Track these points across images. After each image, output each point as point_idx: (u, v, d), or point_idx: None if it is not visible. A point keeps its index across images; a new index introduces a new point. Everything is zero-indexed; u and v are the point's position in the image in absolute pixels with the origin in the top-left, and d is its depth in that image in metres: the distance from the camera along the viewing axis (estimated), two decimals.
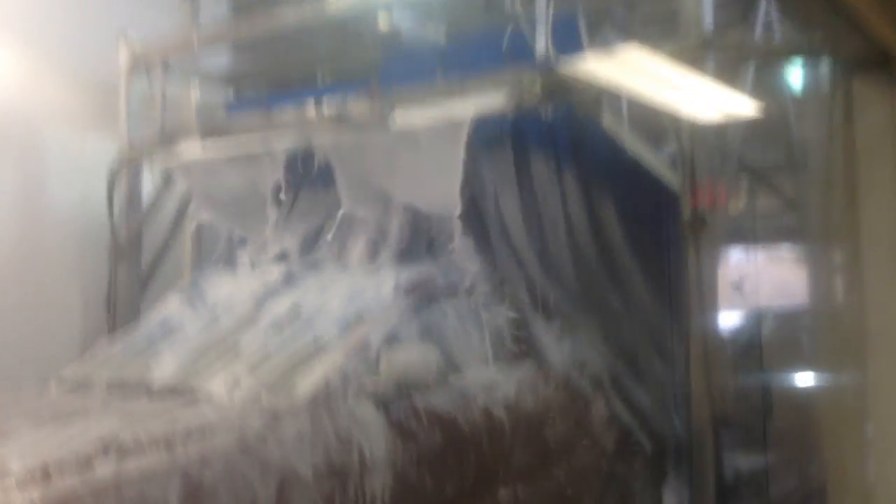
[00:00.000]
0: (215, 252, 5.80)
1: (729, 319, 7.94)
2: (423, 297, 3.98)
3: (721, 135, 4.64)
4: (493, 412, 3.82)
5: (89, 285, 6.04)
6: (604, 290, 4.67)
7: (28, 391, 3.84)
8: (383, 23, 4.90)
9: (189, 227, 6.65)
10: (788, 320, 7.84)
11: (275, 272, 4.57)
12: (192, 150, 5.55)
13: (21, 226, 5.83)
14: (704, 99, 4.00)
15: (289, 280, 4.41)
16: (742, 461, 5.14)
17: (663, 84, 3.75)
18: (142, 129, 5.97)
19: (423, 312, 3.90)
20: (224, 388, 3.39)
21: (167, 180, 5.93)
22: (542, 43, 4.09)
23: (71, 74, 6.02)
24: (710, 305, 4.42)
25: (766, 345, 7.24)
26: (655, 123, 4.25)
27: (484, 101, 4.33)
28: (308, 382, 3.33)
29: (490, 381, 3.96)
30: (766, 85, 5.00)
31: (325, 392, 3.28)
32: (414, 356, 3.50)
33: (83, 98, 6.12)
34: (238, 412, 3.12)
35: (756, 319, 8.10)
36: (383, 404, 3.38)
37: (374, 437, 3.24)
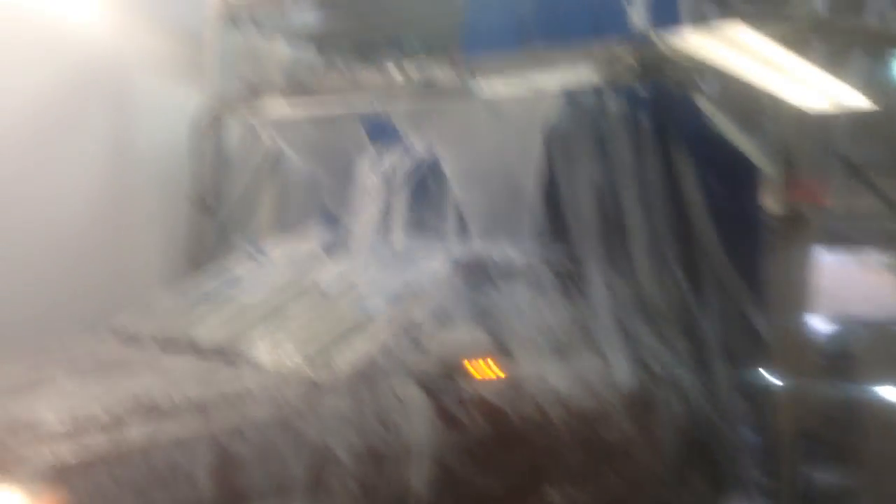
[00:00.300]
0: (293, 212, 5.80)
1: (818, 325, 7.56)
2: (479, 276, 3.77)
3: (824, 126, 4.33)
4: (547, 406, 3.61)
5: (169, 234, 6.14)
6: (680, 280, 4.42)
7: (76, 338, 3.76)
8: None
9: (270, 185, 6.72)
10: (884, 331, 7.39)
11: (331, 237, 4.44)
12: (276, 106, 5.54)
13: (109, 170, 5.96)
14: (809, 86, 3.72)
15: (344, 247, 4.26)
16: (825, 477, 4.85)
17: (766, 66, 3.50)
18: (229, 82, 6.00)
19: (479, 292, 3.70)
20: (267, 354, 3.26)
21: (251, 135, 5.94)
22: (638, 13, 3.86)
23: (161, 24, 6.08)
24: (798, 308, 4.14)
25: (857, 355, 6.85)
26: (754, 108, 3.98)
27: (571, 73, 4.13)
28: (350, 356, 3.17)
29: (545, 373, 3.73)
30: (876, 77, 4.65)
31: (368, 368, 3.11)
32: (464, 338, 3.32)
33: (172, 48, 6.17)
34: (277, 382, 2.96)
35: (848, 327, 7.67)
36: (428, 387, 3.19)
37: (416, 420, 3.07)
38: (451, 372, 3.23)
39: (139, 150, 6.12)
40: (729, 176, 4.44)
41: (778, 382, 4.10)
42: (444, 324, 3.43)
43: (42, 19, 5.49)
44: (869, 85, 4.04)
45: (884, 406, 5.86)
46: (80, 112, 5.81)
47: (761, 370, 4.51)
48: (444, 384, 3.23)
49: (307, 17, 6.48)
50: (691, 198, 4.48)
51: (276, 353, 3.25)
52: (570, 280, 4.23)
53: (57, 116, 5.62)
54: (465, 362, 3.26)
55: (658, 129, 4.51)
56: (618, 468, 3.95)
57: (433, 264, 3.72)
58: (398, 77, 4.77)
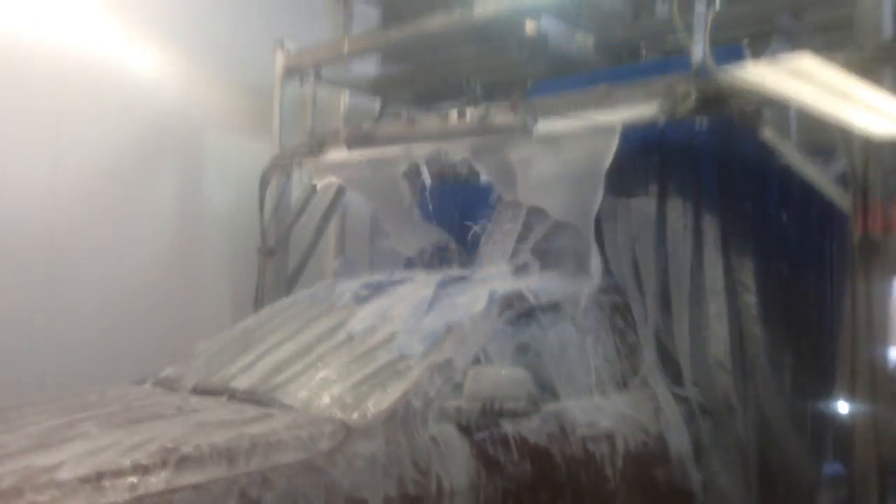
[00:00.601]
0: (354, 257, 5.90)
1: None
2: (520, 313, 3.68)
3: None
4: (595, 446, 3.47)
5: (239, 285, 6.28)
6: (748, 315, 4.31)
7: (119, 389, 3.74)
8: (530, 28, 4.79)
9: (334, 230, 6.84)
10: None
11: (371, 279, 4.39)
12: (339, 156, 5.65)
13: (180, 224, 6.16)
14: (880, 113, 3.65)
15: (380, 287, 4.19)
16: None
17: (835, 95, 3.45)
18: (293, 135, 6.16)
19: (520, 330, 3.61)
20: (300, 399, 3.21)
21: (316, 185, 6.07)
22: (699, 49, 3.85)
23: (229, 80, 6.31)
24: (879, 337, 4.03)
25: None
26: (824, 138, 3.92)
27: (633, 110, 4.13)
28: (386, 400, 3.07)
29: (593, 411, 3.60)
30: None
31: (404, 412, 3.00)
32: (504, 378, 3.16)
33: (239, 103, 6.39)
34: (308, 428, 2.85)
35: None
36: (467, 430, 3.08)
37: (455, 465, 2.94)
38: (490, 410, 3.09)
39: (209, 203, 6.32)
40: (797, 208, 4.36)
41: (860, 415, 3.98)
42: (483, 362, 3.35)
43: (119, 76, 5.75)
44: None
45: None
46: (153, 166, 6.04)
47: (843, 403, 4.39)
48: (482, 424, 3.12)
49: (369, 68, 6.64)
50: (757, 231, 4.42)
51: (308, 395, 3.22)
52: (619, 314, 4.15)
53: (130, 170, 5.86)
54: (505, 400, 3.13)
55: (722, 161, 4.48)
56: None
57: (475, 302, 3.64)
58: (458, 121, 4.82)
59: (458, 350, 3.33)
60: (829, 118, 3.68)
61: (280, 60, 6.20)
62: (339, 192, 6.13)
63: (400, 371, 3.26)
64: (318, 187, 5.95)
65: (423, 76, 6.27)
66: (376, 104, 6.83)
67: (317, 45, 6.07)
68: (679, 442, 3.87)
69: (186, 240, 6.14)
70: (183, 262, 6.10)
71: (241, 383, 3.54)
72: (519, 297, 3.76)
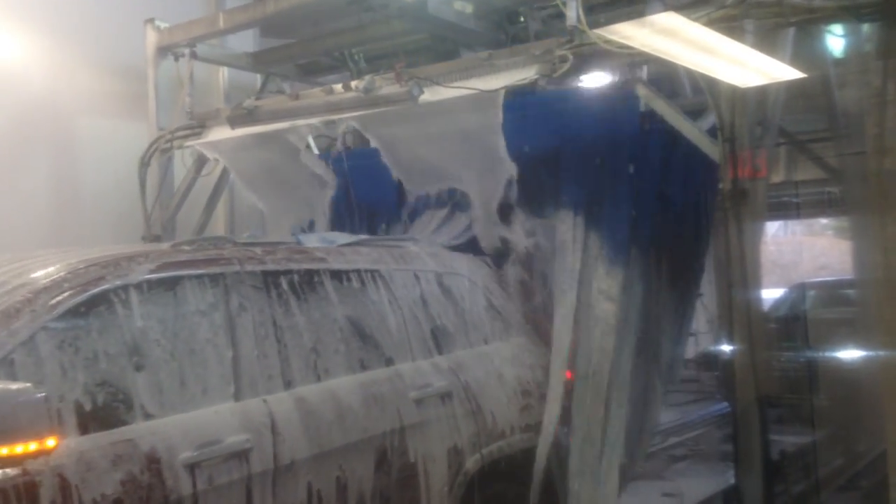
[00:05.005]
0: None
1: (773, 294, 7.79)
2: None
3: (761, 103, 4.49)
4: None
5: None
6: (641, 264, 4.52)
7: None
8: None
9: (222, 211, 6.70)
10: (833, 294, 7.66)
11: None
12: (221, 135, 5.52)
13: (56, 215, 5.89)
14: (744, 66, 3.85)
15: None
16: (788, 439, 5.03)
17: (701, 51, 3.62)
18: (172, 116, 5.97)
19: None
20: None
21: (199, 164, 5.92)
22: (572, 11, 3.96)
23: (99, 61, 6.04)
24: (752, 279, 4.30)
25: (810, 320, 7.09)
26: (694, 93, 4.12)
27: (513, 74, 4.22)
28: None
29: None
30: (806, 50, 4.83)
31: None
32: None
33: (112, 85, 6.13)
34: None
35: (799, 294, 7.93)
36: None
37: None
38: None
39: (87, 191, 6.06)
40: (677, 160, 4.57)
41: (739, 352, 4.25)
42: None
43: None
44: (801, 59, 4.20)
45: (836, 366, 6.09)
46: (23, 156, 5.74)
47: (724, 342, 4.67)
48: None
49: (246, 43, 6.49)
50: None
51: None
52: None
53: (0, 158, 5.55)
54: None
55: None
56: None
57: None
58: (343, 94, 4.79)
59: None
60: (697, 74, 3.86)
61: (151, 38, 5.97)
62: (225, 171, 5.99)
63: None
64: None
65: (304, 49, 6.18)
66: (257, 80, 6.70)
67: (190, 22, 5.88)
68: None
69: (65, 231, 5.88)
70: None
71: None
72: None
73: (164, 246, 3.08)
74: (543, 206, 4.25)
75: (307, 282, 3.33)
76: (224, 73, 6.65)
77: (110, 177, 6.09)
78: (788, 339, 6.57)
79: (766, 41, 3.90)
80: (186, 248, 3.15)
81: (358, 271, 3.56)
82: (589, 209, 4.05)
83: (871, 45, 3.84)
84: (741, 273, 4.25)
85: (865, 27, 3.98)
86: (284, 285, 3.23)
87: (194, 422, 2.76)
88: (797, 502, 4.83)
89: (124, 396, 2.64)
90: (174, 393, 2.75)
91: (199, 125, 5.75)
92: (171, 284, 2.89)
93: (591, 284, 3.98)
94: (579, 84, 4.48)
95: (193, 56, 5.92)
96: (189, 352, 2.84)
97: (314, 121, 4.94)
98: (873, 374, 4.05)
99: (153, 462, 2.60)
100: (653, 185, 4.15)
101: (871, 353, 4.57)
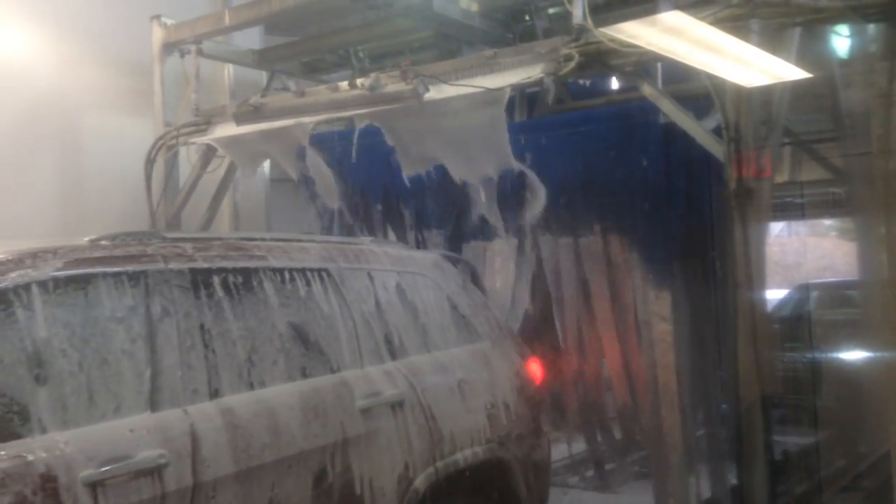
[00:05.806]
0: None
1: (776, 294, 7.79)
2: None
3: (766, 103, 4.48)
4: None
5: None
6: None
7: None
8: None
9: (227, 207, 6.70)
10: (837, 295, 7.65)
11: None
12: (227, 131, 5.54)
13: (62, 210, 5.90)
14: (749, 66, 3.85)
15: None
16: (791, 439, 5.02)
17: (707, 50, 3.62)
18: (178, 113, 5.99)
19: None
20: None
21: (204, 161, 5.93)
22: (578, 10, 3.96)
23: (106, 58, 6.05)
24: (756, 279, 4.29)
25: (814, 320, 7.08)
26: (700, 92, 4.11)
27: (519, 72, 4.22)
28: None
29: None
30: (812, 50, 4.82)
31: None
32: None
33: (119, 81, 6.15)
34: None
35: (804, 294, 7.92)
36: None
37: None
38: None
39: (93, 187, 6.07)
40: (681, 159, 4.57)
41: (743, 352, 4.24)
42: None
43: None
44: (806, 59, 4.19)
45: (840, 367, 6.08)
46: (30, 151, 5.77)
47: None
48: None
49: (252, 41, 6.50)
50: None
51: None
52: None
53: (4, 157, 5.57)
54: None
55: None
56: None
57: None
58: (349, 91, 4.80)
59: None
60: (703, 73, 3.86)
61: (157, 35, 5.99)
62: (231, 168, 6.01)
63: None
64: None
65: (309, 47, 6.19)
66: (262, 77, 6.71)
67: (196, 19, 5.90)
68: None
69: (70, 226, 5.89)
70: None
71: None
72: None
73: (83, 240, 2.78)
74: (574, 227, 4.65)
75: (243, 282, 3.02)
76: (230, 70, 6.65)
77: (116, 173, 6.11)
78: (792, 340, 6.56)
79: (772, 41, 3.89)
80: (106, 242, 2.79)
81: (303, 270, 3.26)
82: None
83: (877, 45, 3.84)
84: (745, 272, 4.24)
85: (871, 28, 3.97)
86: (216, 285, 2.92)
87: (100, 435, 2.44)
88: (800, 503, 4.82)
89: (19, 407, 2.32)
90: (80, 403, 2.44)
91: (204, 122, 5.77)
92: (83, 283, 2.57)
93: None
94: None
95: (199, 53, 5.95)
96: (100, 358, 2.52)
97: (319, 118, 4.95)
98: (877, 376, 4.04)
99: (48, 481, 2.27)
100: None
101: (875, 355, 4.56)
